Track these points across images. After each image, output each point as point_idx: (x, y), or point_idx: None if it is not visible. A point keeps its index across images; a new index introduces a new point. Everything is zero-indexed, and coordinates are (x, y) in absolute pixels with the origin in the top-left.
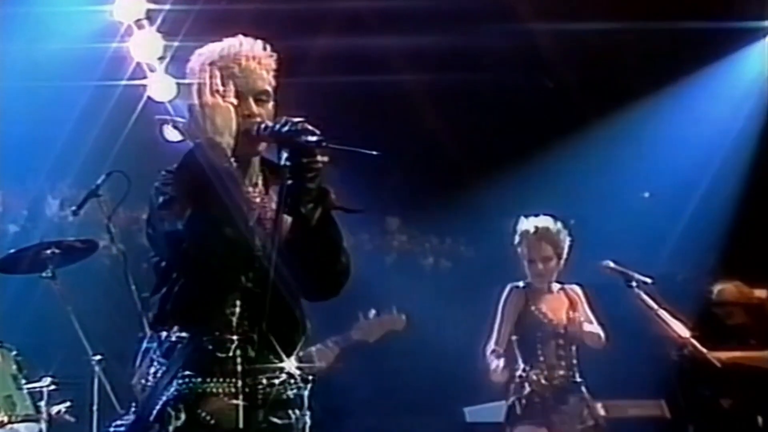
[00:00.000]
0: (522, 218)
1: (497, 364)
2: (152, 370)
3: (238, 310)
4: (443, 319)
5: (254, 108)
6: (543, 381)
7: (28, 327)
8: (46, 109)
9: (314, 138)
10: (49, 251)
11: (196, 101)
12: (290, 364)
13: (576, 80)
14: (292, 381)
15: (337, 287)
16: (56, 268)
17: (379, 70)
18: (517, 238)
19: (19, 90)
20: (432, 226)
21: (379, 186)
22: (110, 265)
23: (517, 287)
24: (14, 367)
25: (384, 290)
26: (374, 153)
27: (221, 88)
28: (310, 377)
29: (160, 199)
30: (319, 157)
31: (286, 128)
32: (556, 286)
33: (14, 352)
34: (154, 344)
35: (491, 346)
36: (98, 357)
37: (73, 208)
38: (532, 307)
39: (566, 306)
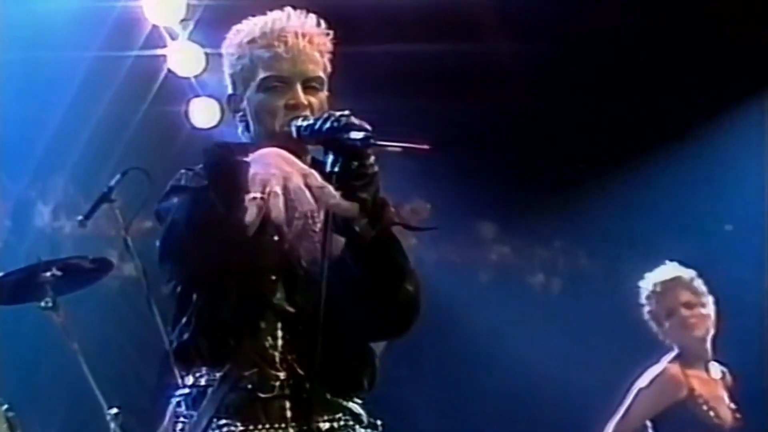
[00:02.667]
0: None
1: None
2: (179, 427)
3: (280, 341)
4: (560, 356)
5: (301, 97)
6: None
7: (23, 372)
8: (32, 86)
9: (360, 135)
10: (48, 274)
11: (230, 89)
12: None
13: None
14: (358, 426)
15: (402, 323)
16: (58, 296)
17: (466, 36)
18: (645, 310)
19: None
20: (540, 233)
21: (469, 183)
22: (122, 290)
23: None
24: (4, 426)
25: (477, 318)
26: (425, 147)
27: (262, 75)
28: (379, 421)
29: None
30: (371, 160)
31: (327, 125)
32: (715, 368)
33: (5, 407)
34: (180, 393)
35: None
36: (114, 411)
37: (80, 217)
38: (699, 400)
39: (727, 398)
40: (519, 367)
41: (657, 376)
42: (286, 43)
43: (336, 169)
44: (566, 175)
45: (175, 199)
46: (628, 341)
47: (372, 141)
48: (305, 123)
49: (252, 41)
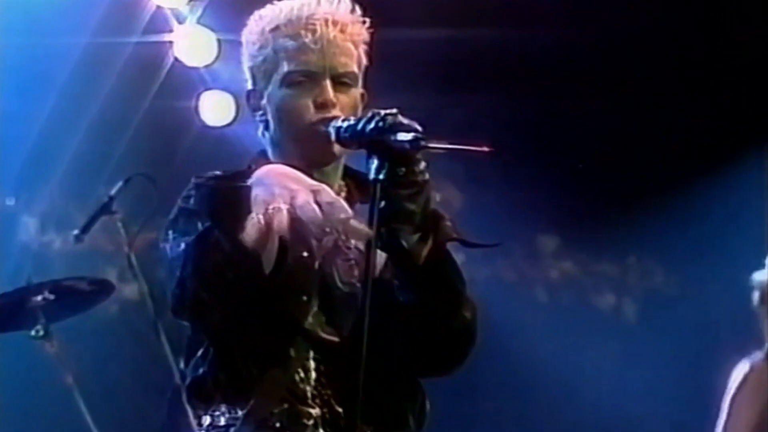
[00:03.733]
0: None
1: None
2: None
3: (313, 373)
4: (635, 388)
5: (330, 94)
6: None
7: (10, 409)
8: (14, 77)
9: (409, 136)
10: (39, 298)
11: (249, 83)
12: None
13: None
14: None
15: (456, 355)
16: (50, 323)
17: (524, 20)
18: (756, 296)
19: None
20: (610, 247)
21: (525, 189)
22: (123, 315)
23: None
24: None
25: (536, 344)
26: (485, 149)
27: (286, 68)
28: None
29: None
30: (422, 165)
31: (371, 125)
32: None
33: None
34: None
35: None
36: None
37: (75, 232)
38: None
39: None
40: (587, 400)
41: (748, 374)
42: (314, 32)
43: (381, 176)
44: (640, 180)
45: (182, 245)
46: (713, 371)
47: (423, 143)
48: (346, 124)
49: (276, 29)
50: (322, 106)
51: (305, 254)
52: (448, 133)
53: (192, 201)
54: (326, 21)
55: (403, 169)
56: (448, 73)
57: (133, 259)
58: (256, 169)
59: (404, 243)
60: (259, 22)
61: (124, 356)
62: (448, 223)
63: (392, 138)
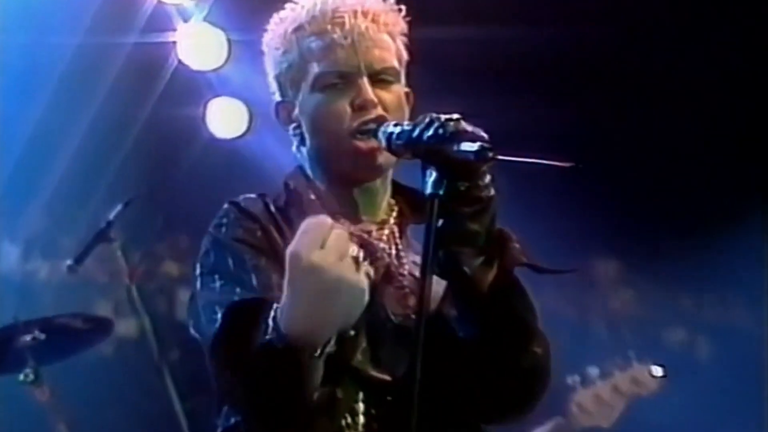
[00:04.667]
0: None
1: None
2: None
3: (362, 418)
4: None
5: (369, 93)
6: None
7: None
8: None
9: (474, 146)
10: (28, 337)
11: (277, 95)
12: None
13: None
14: None
15: (527, 398)
16: (41, 366)
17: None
18: None
19: None
20: (679, 274)
21: (581, 208)
22: (120, 355)
23: None
24: None
25: None
26: (568, 164)
27: (316, 70)
28: None
29: (232, 262)
30: (487, 179)
31: (430, 132)
32: None
33: None
34: None
35: None
36: None
37: (69, 262)
38: None
39: None
40: None
41: None
42: (342, 25)
43: (440, 191)
44: (717, 198)
45: (216, 293)
46: None
47: (491, 154)
48: (399, 129)
49: (299, 29)
50: (362, 108)
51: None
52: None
53: (224, 230)
54: (355, 12)
55: (466, 184)
56: (494, 76)
57: (134, 292)
58: (294, 187)
59: (466, 268)
60: (280, 24)
61: (123, 402)
62: (516, 246)
63: (454, 148)
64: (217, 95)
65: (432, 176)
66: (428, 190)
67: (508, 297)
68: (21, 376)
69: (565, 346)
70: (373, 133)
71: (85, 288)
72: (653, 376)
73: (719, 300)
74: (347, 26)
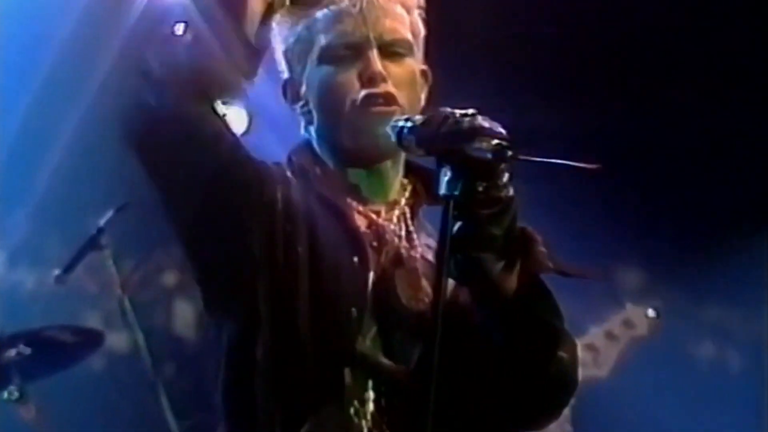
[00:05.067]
0: None
1: None
2: None
3: (371, 405)
4: None
5: (378, 65)
6: None
7: None
8: None
9: (492, 144)
10: (13, 352)
11: (285, 72)
12: None
13: None
14: None
15: (552, 406)
16: (27, 382)
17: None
18: None
19: None
20: (708, 285)
21: (604, 212)
22: (110, 371)
23: None
24: None
25: (618, 399)
26: (594, 167)
27: (323, 41)
28: None
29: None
30: (506, 179)
31: (444, 129)
32: None
33: None
34: None
35: None
36: None
37: (57, 272)
38: None
39: None
40: None
41: None
42: None
43: (456, 192)
44: (750, 207)
45: None
46: None
47: (510, 154)
48: (410, 124)
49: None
50: (370, 80)
51: (355, 260)
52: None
53: None
54: None
55: (484, 184)
56: (507, 66)
57: (127, 304)
58: (299, 162)
59: (488, 273)
60: None
61: (115, 421)
62: (542, 248)
63: (471, 146)
64: None
65: (447, 176)
66: (443, 191)
67: (533, 302)
68: (5, 394)
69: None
70: (377, 108)
71: (74, 299)
72: (647, 317)
73: (749, 313)
74: None
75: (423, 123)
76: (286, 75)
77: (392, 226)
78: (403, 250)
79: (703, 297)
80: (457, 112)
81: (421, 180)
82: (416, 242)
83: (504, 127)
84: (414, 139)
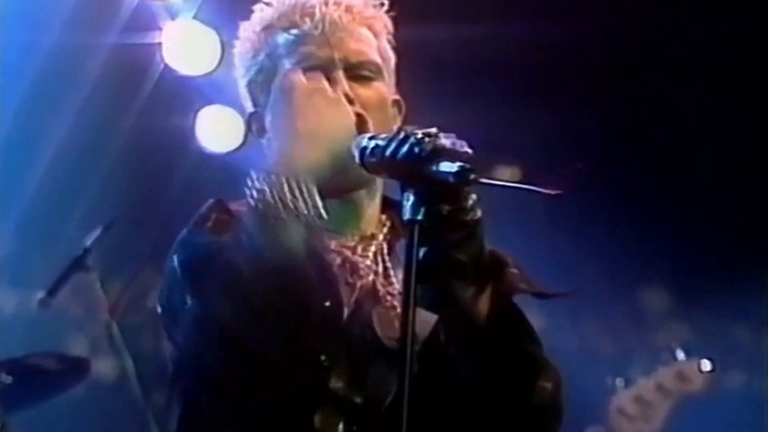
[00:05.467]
0: None
1: None
2: None
3: None
4: None
5: (344, 87)
6: None
7: None
8: None
9: (454, 166)
10: None
11: (250, 105)
12: None
13: None
14: None
15: None
16: (9, 413)
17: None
18: None
19: None
20: (737, 307)
21: (624, 232)
22: (96, 399)
23: None
24: None
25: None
26: (555, 192)
27: (286, 66)
28: None
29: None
30: (471, 201)
31: (404, 149)
32: None
33: None
34: None
35: None
36: None
37: (41, 295)
38: None
39: None
40: None
41: None
42: (312, 15)
43: (419, 216)
44: None
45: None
46: None
47: (473, 177)
48: (373, 143)
49: (268, 27)
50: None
51: (327, 304)
52: (524, 152)
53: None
54: (326, 2)
55: (447, 207)
56: (513, 75)
57: (115, 329)
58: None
59: (457, 300)
60: (248, 26)
61: None
62: (514, 270)
63: (432, 168)
64: (209, 103)
65: (410, 200)
66: (406, 215)
67: (507, 327)
68: None
69: (605, 388)
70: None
71: (59, 324)
72: (701, 371)
73: None
74: (317, 15)
75: (385, 142)
76: (250, 108)
77: (368, 262)
78: (380, 287)
79: (732, 319)
80: (418, 131)
81: (399, 215)
82: (393, 278)
83: (472, 146)
84: (377, 160)
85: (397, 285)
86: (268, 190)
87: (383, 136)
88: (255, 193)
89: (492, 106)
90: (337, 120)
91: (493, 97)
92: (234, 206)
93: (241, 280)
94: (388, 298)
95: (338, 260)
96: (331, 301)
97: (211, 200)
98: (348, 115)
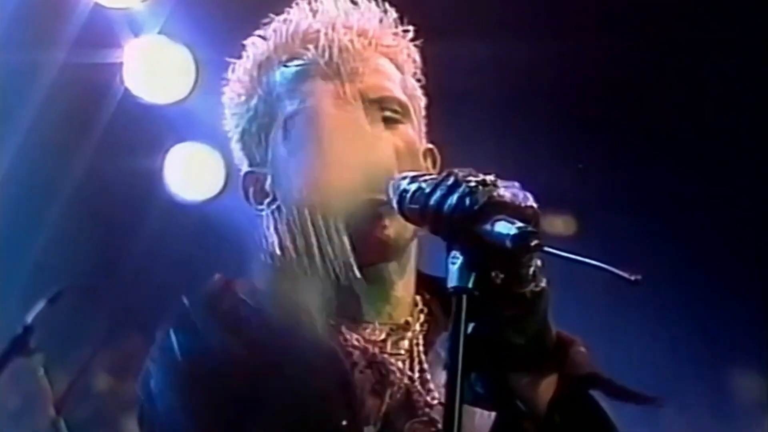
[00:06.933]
0: None
1: None
2: None
3: None
4: None
5: (366, 126)
6: None
7: None
8: None
9: (513, 228)
10: None
11: (244, 165)
12: None
13: None
14: None
15: None
16: None
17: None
18: None
19: None
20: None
21: (695, 303)
22: None
23: None
24: None
25: None
26: (634, 278)
27: (288, 108)
28: None
29: (169, 398)
30: (533, 268)
31: (453, 201)
32: None
33: None
34: None
35: None
36: None
37: None
38: None
39: None
40: None
41: None
42: (316, 42)
43: (469, 284)
44: None
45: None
46: None
47: (535, 242)
48: (415, 186)
49: (263, 64)
50: None
51: (344, 423)
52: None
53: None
54: (333, 25)
55: (502, 276)
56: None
57: (62, 427)
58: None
59: (511, 393)
60: (239, 66)
61: None
62: (582, 350)
63: (486, 228)
64: (182, 140)
65: (457, 262)
66: (451, 281)
67: (576, 419)
68: None
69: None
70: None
71: None
72: None
73: None
74: (322, 41)
75: (431, 187)
76: (245, 167)
77: (400, 363)
78: (414, 395)
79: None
80: (471, 178)
81: (438, 297)
82: (431, 384)
83: (535, 197)
84: (419, 208)
85: (437, 393)
86: (288, 235)
87: (428, 178)
88: (269, 242)
89: (538, 148)
90: (375, 155)
91: (537, 140)
92: (238, 286)
93: (250, 393)
94: (426, 410)
95: (362, 362)
96: (349, 418)
97: (216, 276)
98: (389, 152)
